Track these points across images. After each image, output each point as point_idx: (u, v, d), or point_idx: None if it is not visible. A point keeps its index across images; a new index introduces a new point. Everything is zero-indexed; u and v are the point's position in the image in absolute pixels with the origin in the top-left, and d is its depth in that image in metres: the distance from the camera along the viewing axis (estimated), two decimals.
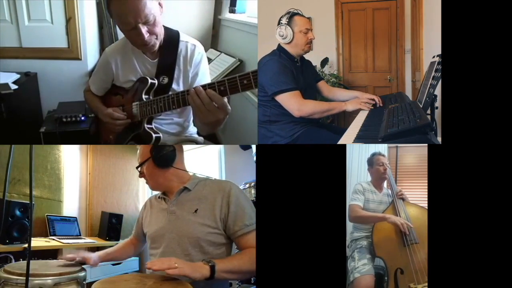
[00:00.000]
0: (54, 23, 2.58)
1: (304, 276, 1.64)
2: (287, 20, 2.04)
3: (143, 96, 1.73)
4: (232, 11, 2.78)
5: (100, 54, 2.96)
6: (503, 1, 1.57)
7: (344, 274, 1.72)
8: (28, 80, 2.50)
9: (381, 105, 2.16)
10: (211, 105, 1.37)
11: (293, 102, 1.97)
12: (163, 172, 1.42)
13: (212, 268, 1.18)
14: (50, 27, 2.58)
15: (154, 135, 1.75)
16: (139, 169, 1.44)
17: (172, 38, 1.76)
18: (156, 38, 1.68)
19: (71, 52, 2.64)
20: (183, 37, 1.78)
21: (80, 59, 2.68)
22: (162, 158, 1.40)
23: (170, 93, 1.72)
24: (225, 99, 1.38)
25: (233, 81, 1.36)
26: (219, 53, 2.86)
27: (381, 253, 1.77)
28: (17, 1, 2.49)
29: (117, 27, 2.83)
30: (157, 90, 1.75)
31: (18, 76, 2.41)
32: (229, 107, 1.39)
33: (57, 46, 2.62)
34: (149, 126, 1.77)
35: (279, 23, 2.07)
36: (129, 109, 1.78)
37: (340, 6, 3.19)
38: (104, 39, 2.96)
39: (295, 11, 2.07)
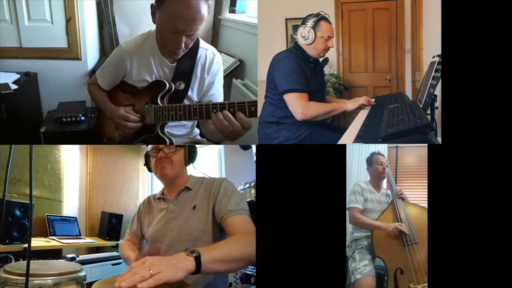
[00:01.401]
0: (54, 23, 2.57)
1: (304, 275, 1.64)
2: (313, 23, 2.00)
3: (159, 100, 1.70)
4: (232, 11, 2.77)
5: (100, 54, 2.96)
6: (503, 1, 1.57)
7: (344, 274, 1.72)
8: (28, 80, 2.50)
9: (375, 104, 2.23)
10: (237, 126, 1.41)
11: (298, 105, 1.95)
12: (183, 166, 1.46)
13: (198, 260, 1.00)
14: (50, 27, 2.58)
15: (168, 141, 1.72)
16: (167, 150, 1.41)
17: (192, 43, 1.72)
18: (184, 51, 1.65)
19: (71, 52, 2.64)
20: (202, 44, 1.75)
21: (80, 59, 2.68)
22: (194, 152, 1.48)
23: (186, 101, 1.70)
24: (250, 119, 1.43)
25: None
26: (219, 53, 2.85)
27: (381, 253, 1.77)
28: (17, 1, 2.49)
29: (117, 27, 2.84)
30: (172, 95, 1.71)
31: (18, 76, 2.40)
32: (251, 124, 1.44)
33: (57, 46, 2.62)
34: (162, 131, 1.74)
35: (304, 22, 2.03)
36: (141, 110, 1.73)
37: (340, 6, 3.20)
38: (104, 39, 2.96)
39: (324, 15, 2.03)
